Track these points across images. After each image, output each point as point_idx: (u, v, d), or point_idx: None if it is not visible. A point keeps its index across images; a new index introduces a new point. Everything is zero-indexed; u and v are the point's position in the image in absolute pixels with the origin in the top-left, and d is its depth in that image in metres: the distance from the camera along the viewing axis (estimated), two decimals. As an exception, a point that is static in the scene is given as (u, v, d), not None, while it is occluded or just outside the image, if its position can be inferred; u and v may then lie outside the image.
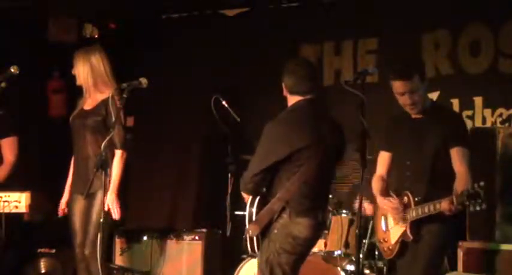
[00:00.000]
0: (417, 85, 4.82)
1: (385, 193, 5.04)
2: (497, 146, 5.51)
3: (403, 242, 4.92)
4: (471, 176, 4.73)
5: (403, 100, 4.88)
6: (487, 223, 5.46)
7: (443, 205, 4.63)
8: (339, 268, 5.99)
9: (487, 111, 6.49)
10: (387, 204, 4.96)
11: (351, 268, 5.97)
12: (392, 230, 5.00)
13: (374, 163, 5.18)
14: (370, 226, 5.74)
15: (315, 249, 6.28)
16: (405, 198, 4.89)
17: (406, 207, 4.87)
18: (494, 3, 6.42)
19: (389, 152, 5.11)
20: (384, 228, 5.10)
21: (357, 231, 4.64)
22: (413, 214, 4.81)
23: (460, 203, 4.55)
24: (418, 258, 4.87)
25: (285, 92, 4.84)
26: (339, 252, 6.10)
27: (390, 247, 5.01)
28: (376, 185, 5.11)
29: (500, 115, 6.43)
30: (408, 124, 4.98)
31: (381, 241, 5.12)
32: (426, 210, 4.72)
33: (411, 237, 4.84)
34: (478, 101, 6.53)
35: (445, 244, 4.99)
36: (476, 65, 6.57)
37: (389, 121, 5.20)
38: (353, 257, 5.95)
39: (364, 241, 5.78)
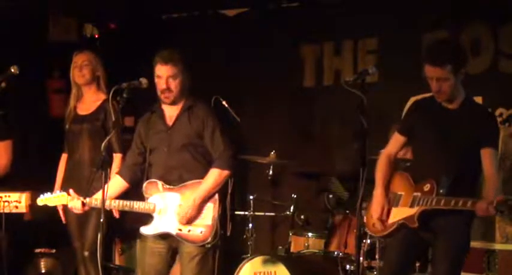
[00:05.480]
0: (447, 74, 4.65)
1: (386, 182, 4.89)
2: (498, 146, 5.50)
3: (401, 226, 4.75)
4: (500, 179, 4.66)
5: (431, 85, 4.73)
6: (487, 223, 5.46)
7: (480, 205, 4.43)
8: (339, 268, 5.99)
9: (487, 111, 6.48)
10: (375, 209, 4.83)
11: (351, 268, 5.98)
12: (396, 209, 4.82)
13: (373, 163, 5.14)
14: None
15: (315, 249, 6.31)
16: (428, 185, 4.68)
17: (426, 194, 4.66)
18: (494, 3, 6.42)
19: (406, 137, 4.94)
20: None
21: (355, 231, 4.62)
22: (433, 202, 4.59)
23: (497, 209, 4.34)
24: (441, 258, 4.70)
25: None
26: (339, 252, 6.11)
27: (385, 224, 4.82)
28: (380, 167, 4.95)
29: (500, 115, 6.42)
30: (436, 112, 4.82)
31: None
32: (452, 203, 4.50)
33: (417, 224, 4.66)
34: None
35: (468, 241, 4.84)
36: (476, 65, 6.56)
37: (413, 105, 5.02)
38: (353, 257, 5.95)
39: (364, 241, 5.78)
